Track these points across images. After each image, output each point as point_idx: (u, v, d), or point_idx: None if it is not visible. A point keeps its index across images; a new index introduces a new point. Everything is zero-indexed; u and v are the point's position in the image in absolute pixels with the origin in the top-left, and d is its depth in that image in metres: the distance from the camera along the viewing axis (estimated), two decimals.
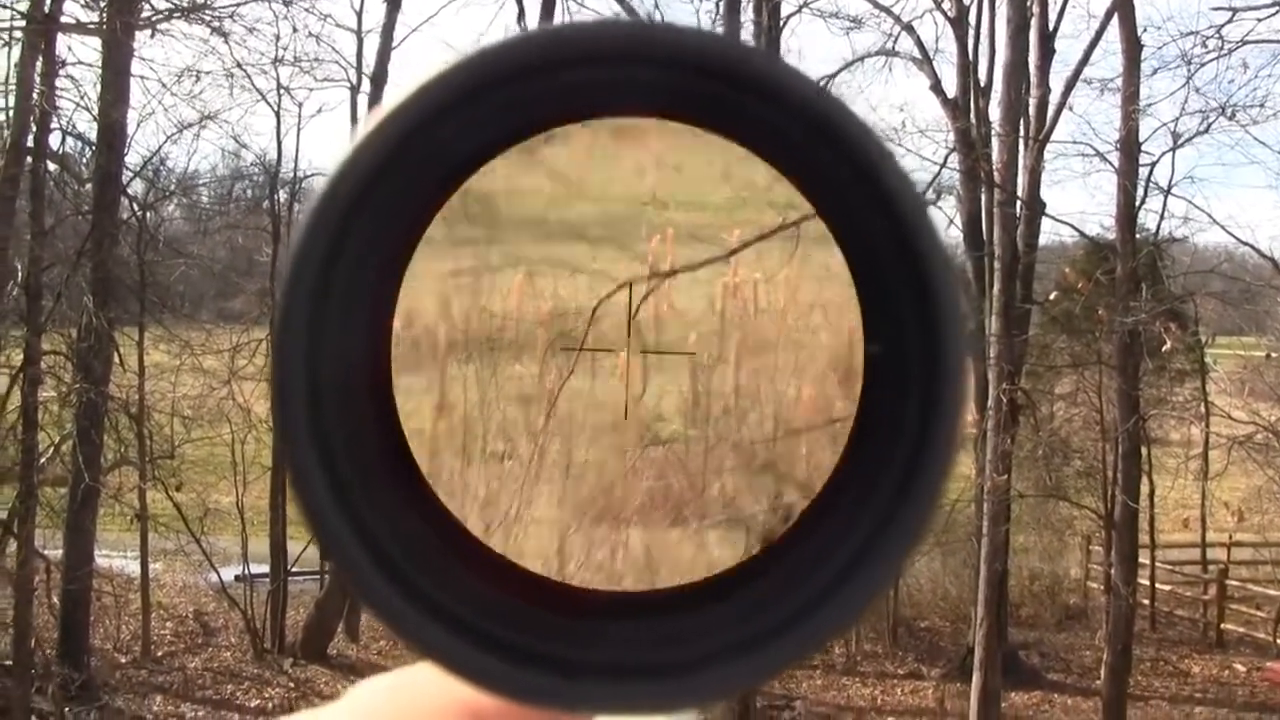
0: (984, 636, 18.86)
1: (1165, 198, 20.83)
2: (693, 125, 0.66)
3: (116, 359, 20.85)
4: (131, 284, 21.83)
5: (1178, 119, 20.24)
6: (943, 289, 0.60)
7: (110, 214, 20.28)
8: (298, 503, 0.61)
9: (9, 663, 18.54)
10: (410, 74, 0.62)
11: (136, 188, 23.09)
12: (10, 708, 17.92)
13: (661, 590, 0.69)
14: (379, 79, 23.92)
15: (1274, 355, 26.55)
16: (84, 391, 19.03)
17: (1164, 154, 20.41)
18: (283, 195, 25.79)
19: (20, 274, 18.94)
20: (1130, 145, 18.91)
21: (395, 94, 0.60)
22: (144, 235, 22.29)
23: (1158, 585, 26.44)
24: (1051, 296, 22.69)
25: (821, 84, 0.60)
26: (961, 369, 0.60)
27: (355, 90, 24.91)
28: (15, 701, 17.58)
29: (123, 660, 23.21)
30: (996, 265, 19.73)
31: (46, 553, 20.40)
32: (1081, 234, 22.49)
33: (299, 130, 41.35)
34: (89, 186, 21.09)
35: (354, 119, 24.88)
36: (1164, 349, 19.65)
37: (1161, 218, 22.16)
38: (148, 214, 23.36)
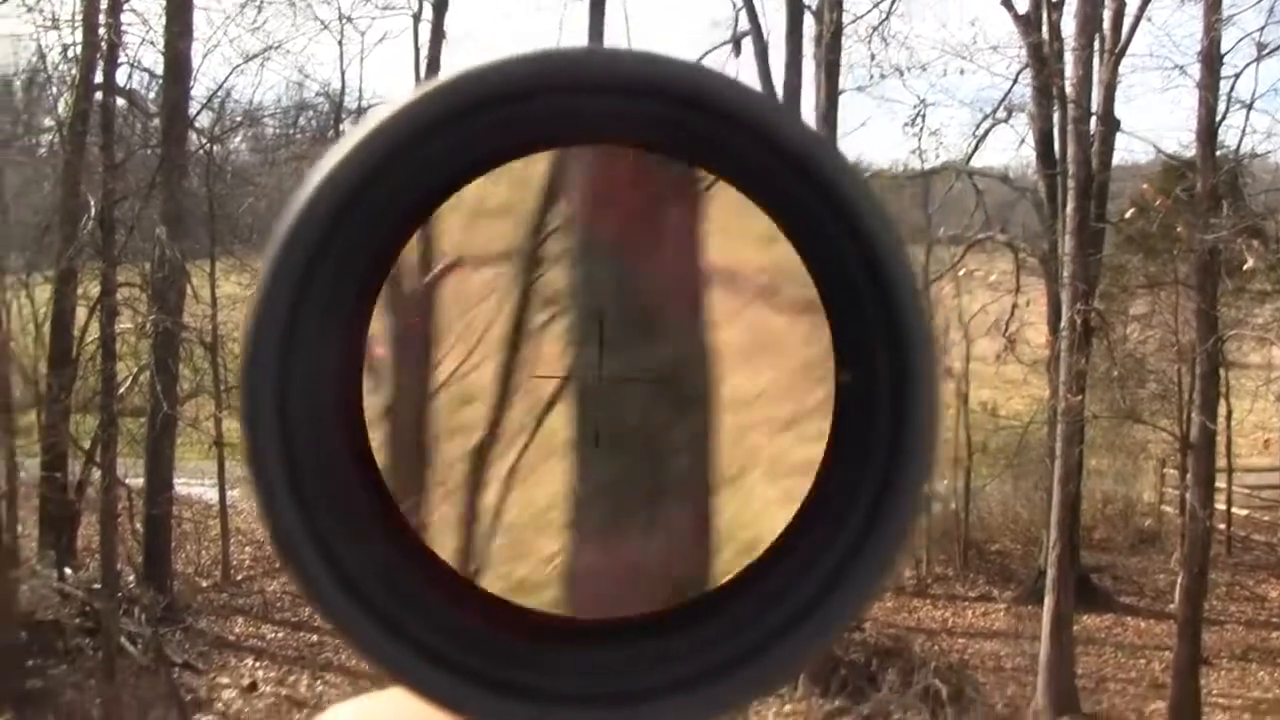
0: (1056, 559, 18.76)
1: (1247, 112, 20.36)
2: (669, 156, 0.66)
3: (190, 290, 21.12)
4: (201, 216, 22.04)
5: (1262, 29, 19.77)
6: (913, 318, 0.60)
7: (178, 147, 20.44)
8: (268, 531, 0.61)
9: (98, 586, 19.01)
10: (387, 99, 0.62)
11: (203, 120, 23.28)
12: (101, 629, 18.40)
13: (632, 617, 0.69)
14: (440, 5, 23.84)
15: None
16: (160, 322, 19.30)
17: (1247, 66, 19.97)
18: (347, 125, 25.82)
19: (94, 208, 19.17)
20: (1211, 57, 18.43)
21: (369, 120, 0.60)
22: (212, 168, 22.45)
23: (1234, 509, 26.14)
24: (1127, 215, 22.32)
25: (797, 116, 0.60)
26: (933, 395, 0.61)
27: (417, 18, 24.89)
28: (105, 624, 18.04)
29: (204, 584, 23.73)
30: (1070, 184, 19.36)
31: (128, 481, 20.83)
32: (1159, 150, 22.08)
33: (362, 59, 41.59)
34: (157, 121, 21.25)
35: (416, 46, 24.87)
36: (1244, 268, 19.28)
37: (1243, 133, 21.69)
38: (215, 146, 23.52)
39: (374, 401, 0.69)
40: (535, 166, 0.68)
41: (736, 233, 0.69)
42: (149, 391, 19.95)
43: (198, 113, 22.45)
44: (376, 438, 0.69)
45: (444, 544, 0.70)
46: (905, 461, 0.62)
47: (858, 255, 0.61)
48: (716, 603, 0.68)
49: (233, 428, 22.84)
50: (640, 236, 0.71)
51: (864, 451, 0.63)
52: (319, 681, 19.72)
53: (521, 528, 0.72)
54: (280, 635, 21.57)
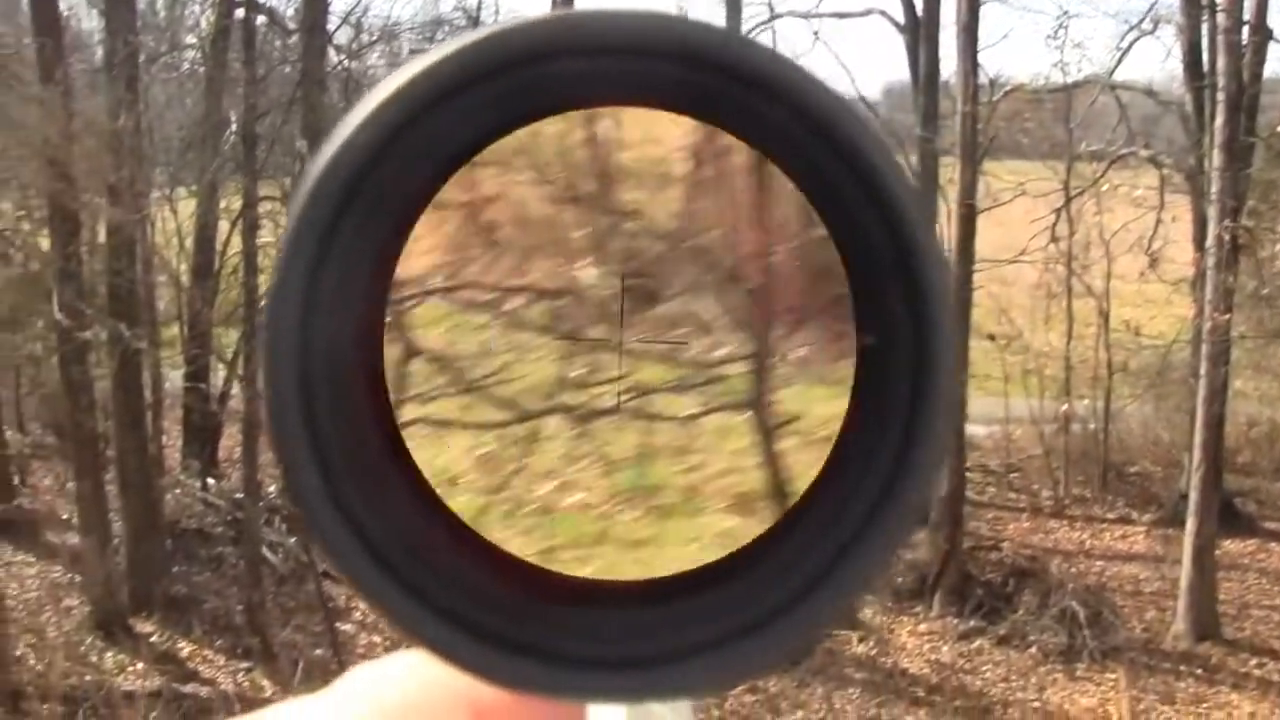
0: (1199, 482, 18.41)
1: None
2: (689, 116, 0.65)
3: None
4: None
5: None
6: (934, 283, 0.60)
7: (317, 62, 20.68)
8: (288, 492, 0.60)
9: (240, 496, 19.59)
10: (405, 63, 0.60)
11: (341, 37, 23.51)
12: (243, 538, 18.97)
13: (657, 579, 0.68)
14: None
15: None
16: None
17: None
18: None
19: (236, 123, 19.51)
20: None
21: (388, 82, 0.58)
22: (350, 83, 22.69)
23: None
24: (1279, 129, 21.61)
25: (817, 77, 0.59)
26: (950, 363, 0.60)
27: None
28: (248, 532, 18.60)
29: None
30: (1220, 97, 18.77)
31: None
32: None
33: None
34: (296, 37, 21.51)
35: None
36: None
37: None
38: (353, 62, 23.78)
39: (395, 362, 0.69)
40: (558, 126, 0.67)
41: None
42: None
43: (336, 29, 22.69)
44: (397, 398, 0.68)
45: (465, 506, 0.69)
46: (924, 424, 0.61)
47: (879, 219, 0.61)
48: (739, 565, 0.67)
49: None
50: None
51: (883, 414, 0.63)
52: None
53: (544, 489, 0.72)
54: None
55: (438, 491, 0.69)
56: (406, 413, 0.69)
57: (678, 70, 0.60)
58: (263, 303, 0.59)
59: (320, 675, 16.46)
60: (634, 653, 0.62)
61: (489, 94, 0.61)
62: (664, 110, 0.66)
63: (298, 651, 17.09)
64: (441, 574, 0.63)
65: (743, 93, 0.61)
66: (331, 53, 22.37)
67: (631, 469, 0.72)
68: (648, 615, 0.65)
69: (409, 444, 0.69)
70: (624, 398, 0.71)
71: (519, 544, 0.69)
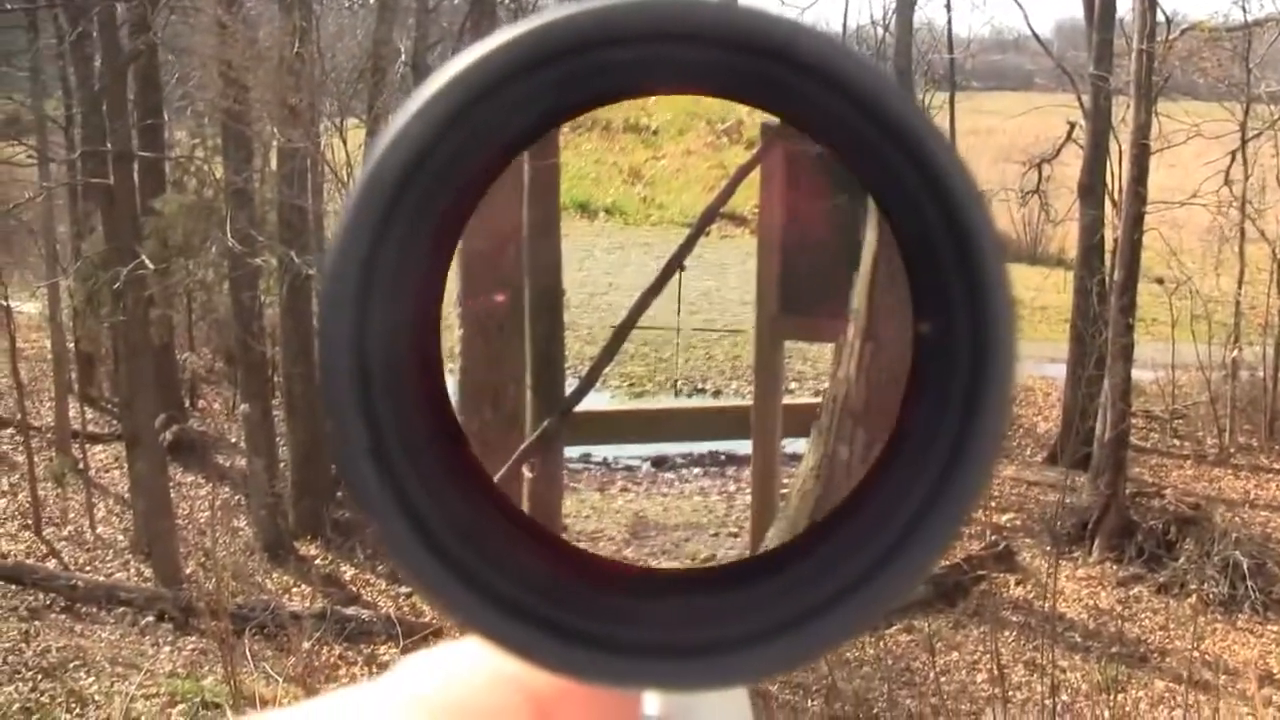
0: None
1: None
2: (747, 104, 0.65)
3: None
4: None
5: None
6: (993, 275, 0.60)
7: None
8: (345, 480, 0.60)
9: None
10: (466, 49, 0.60)
11: None
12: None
13: (713, 566, 0.68)
14: None
15: None
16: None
17: None
18: None
19: (405, 53, 19.74)
20: None
21: (448, 68, 0.58)
22: (519, 12, 22.81)
23: None
24: None
25: (879, 69, 0.59)
26: (1009, 353, 0.60)
27: None
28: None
29: None
30: None
31: None
32: None
33: None
34: None
35: None
36: None
37: None
38: None
39: (450, 351, 0.66)
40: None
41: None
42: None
43: None
44: (452, 386, 0.67)
45: (520, 493, 0.68)
46: (982, 411, 0.61)
47: (935, 205, 0.60)
48: (794, 552, 0.67)
49: None
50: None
51: (942, 401, 0.62)
52: None
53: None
54: None
55: (493, 479, 0.70)
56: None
57: (735, 58, 0.61)
58: (319, 294, 0.60)
59: None
60: (692, 639, 0.63)
61: (546, 80, 0.61)
62: (722, 98, 0.66)
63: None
64: (498, 562, 0.63)
65: (800, 81, 0.61)
66: None
67: None
68: (705, 602, 0.66)
69: (463, 430, 0.70)
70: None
71: (572, 530, 0.71)
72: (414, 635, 15.19)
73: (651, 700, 0.65)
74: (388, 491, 0.60)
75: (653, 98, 0.70)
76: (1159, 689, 15.91)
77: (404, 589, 17.68)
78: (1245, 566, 17.70)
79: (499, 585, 0.61)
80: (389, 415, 0.61)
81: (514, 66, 0.60)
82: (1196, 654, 16.52)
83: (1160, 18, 21.01)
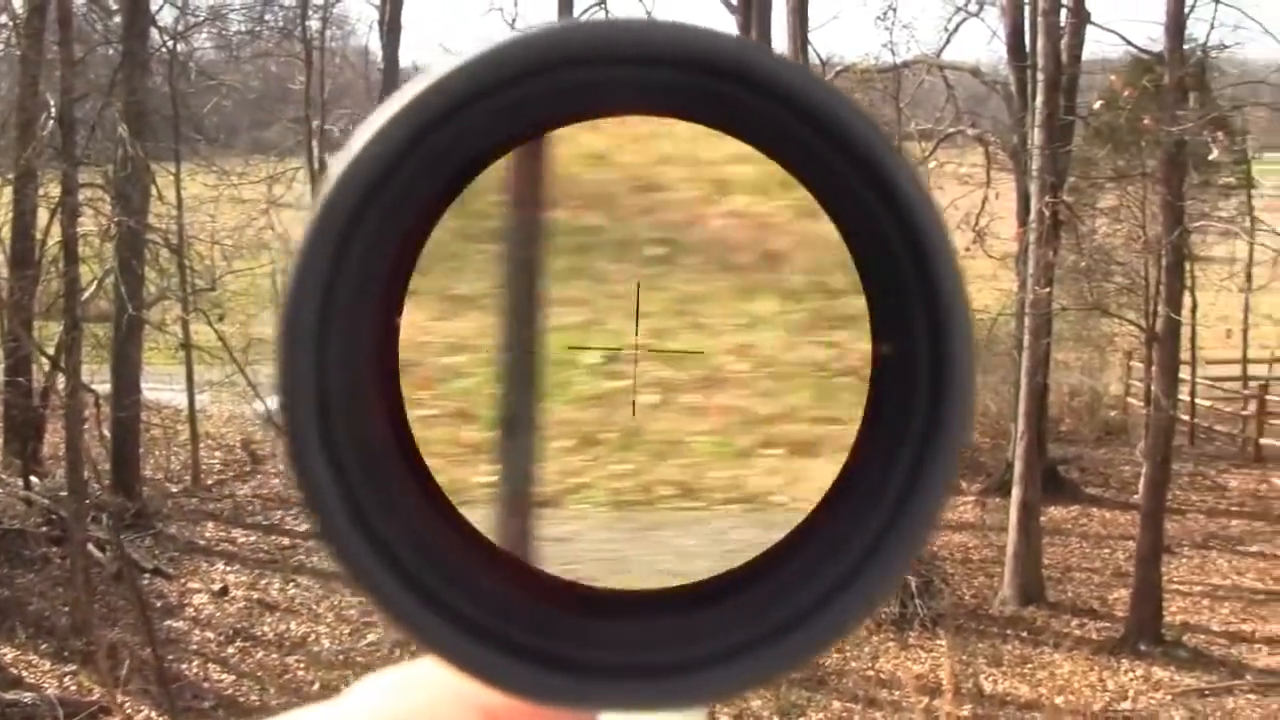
0: (1024, 450, 18.99)
1: (1216, 6, 20.33)
2: (701, 124, 0.66)
3: (154, 191, 20.89)
4: (165, 115, 21.75)
5: None
6: (952, 290, 0.60)
7: (140, 43, 20.11)
8: (306, 506, 0.61)
9: (65, 494, 18.98)
10: (417, 75, 0.62)
11: (166, 17, 22.90)
12: (67, 536, 18.41)
13: (671, 588, 0.69)
14: None
15: None
16: (123, 223, 19.10)
17: None
18: (314, 23, 25.48)
19: (53, 106, 18.86)
20: None
21: (401, 95, 0.59)
22: (175, 65, 22.12)
23: (1198, 400, 26.49)
24: (1096, 107, 22.28)
25: (833, 86, 0.61)
26: (970, 367, 0.61)
27: None
28: (72, 531, 18.04)
29: (174, 489, 23.76)
30: (1040, 77, 19.31)
31: (95, 387, 20.74)
32: (1128, 43, 21.88)
33: None
34: (117, 18, 20.88)
35: None
36: (1210, 158, 19.31)
37: (1211, 26, 21.67)
38: (178, 43, 23.16)
39: (410, 369, 0.69)
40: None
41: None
42: (113, 294, 19.80)
43: (159, 8, 22.11)
44: (411, 404, 0.69)
45: (479, 513, 0.70)
46: (944, 428, 0.62)
47: (893, 223, 0.61)
48: (753, 575, 0.68)
49: (200, 330, 22.78)
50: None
51: (902, 420, 0.63)
52: (290, 584, 19.86)
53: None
54: (251, 539, 21.67)
55: (453, 501, 0.68)
56: (421, 419, 0.69)
57: (689, 78, 0.60)
58: (277, 312, 0.58)
59: (146, 676, 16.13)
60: (650, 661, 0.63)
61: (503, 104, 0.61)
62: (677, 119, 0.66)
63: (126, 652, 16.68)
64: (456, 582, 0.63)
65: (753, 100, 0.61)
66: (155, 34, 21.78)
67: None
68: (664, 623, 0.65)
69: (423, 452, 0.68)
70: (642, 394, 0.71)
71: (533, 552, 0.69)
72: (78, 716, 14.48)
73: None
74: (346, 512, 0.60)
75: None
76: (836, 709, 16.46)
77: (69, 667, 16.80)
78: (914, 585, 18.48)
79: (457, 605, 0.61)
80: (348, 437, 0.61)
81: (471, 89, 0.59)
82: (872, 672, 17.20)
83: (815, 60, 21.95)
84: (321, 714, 0.64)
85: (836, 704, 16.58)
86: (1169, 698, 16.75)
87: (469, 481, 0.70)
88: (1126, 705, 16.62)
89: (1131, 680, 17.17)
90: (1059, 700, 16.50)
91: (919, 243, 0.61)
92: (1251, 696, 16.77)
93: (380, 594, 0.61)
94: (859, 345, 0.68)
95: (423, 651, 0.62)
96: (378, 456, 0.64)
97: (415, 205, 0.64)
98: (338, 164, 0.60)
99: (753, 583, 0.67)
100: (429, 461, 0.69)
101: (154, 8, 21.48)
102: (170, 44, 22.49)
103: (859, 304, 0.68)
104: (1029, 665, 17.62)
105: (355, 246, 0.61)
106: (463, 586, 0.63)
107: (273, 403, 0.61)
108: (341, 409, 0.61)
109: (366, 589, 0.61)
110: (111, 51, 20.69)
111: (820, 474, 0.69)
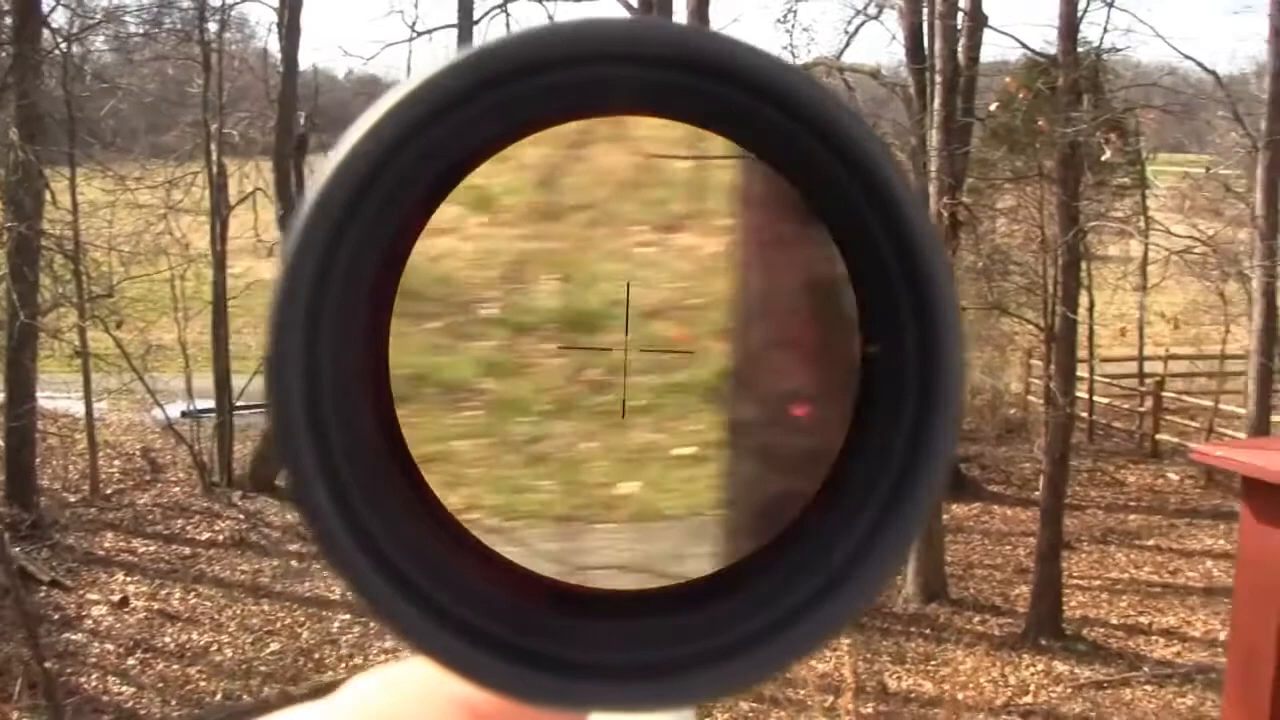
0: None
1: (1109, 9, 20.66)
2: (688, 124, 0.66)
3: (49, 196, 20.51)
4: (59, 118, 21.37)
5: None
6: (940, 289, 0.61)
7: (32, 45, 19.73)
8: (298, 507, 0.61)
9: None
10: (404, 77, 0.62)
11: (59, 18, 22.47)
12: None
13: (660, 588, 0.69)
14: None
15: (1213, 170, 26.69)
16: (15, 229, 18.73)
17: None
18: (212, 25, 25.14)
19: None
20: None
21: (388, 96, 0.60)
22: (69, 68, 21.72)
23: (1095, 398, 27.04)
24: (992, 109, 22.65)
25: (818, 82, 0.61)
26: (960, 366, 0.61)
27: None
28: None
29: (71, 499, 23.29)
30: (938, 79, 19.57)
31: None
32: (1024, 46, 22.21)
33: None
34: (8, 19, 20.47)
35: None
36: (1104, 158, 19.70)
37: (1105, 30, 22.04)
38: (72, 45, 22.75)
39: (400, 370, 0.69)
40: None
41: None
42: (6, 301, 19.41)
43: (52, 9, 21.68)
44: (401, 404, 0.69)
45: (469, 513, 0.70)
46: (933, 428, 0.62)
47: (883, 224, 0.61)
48: (743, 575, 0.68)
49: (96, 338, 22.40)
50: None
51: (891, 421, 0.63)
52: (191, 594, 19.58)
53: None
54: (152, 549, 21.30)
55: (442, 501, 0.68)
56: (410, 420, 0.68)
57: (680, 77, 0.60)
58: (268, 315, 0.59)
59: (44, 689, 15.79)
60: (638, 662, 0.62)
61: (492, 103, 0.60)
62: (667, 119, 0.66)
63: (21, 667, 16.32)
64: (446, 582, 0.62)
65: (743, 99, 0.60)
66: (48, 35, 21.37)
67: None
68: (653, 623, 0.65)
69: (413, 452, 0.68)
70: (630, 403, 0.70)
71: (523, 551, 0.69)
72: None
73: None
74: (337, 511, 0.60)
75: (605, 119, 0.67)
76: (744, 709, 16.55)
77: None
78: None
79: (447, 605, 0.61)
80: (339, 436, 0.61)
81: (464, 87, 0.59)
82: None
83: None
84: (311, 713, 0.64)
85: (744, 704, 16.67)
86: (1069, 691, 17.04)
87: (458, 480, 0.70)
88: (1028, 699, 16.86)
89: (1032, 675, 17.45)
90: (961, 696, 16.72)
91: (909, 243, 0.61)
92: (1148, 687, 17.10)
93: (368, 592, 0.61)
94: (848, 346, 0.68)
95: (411, 651, 0.62)
96: (368, 454, 0.64)
97: (407, 202, 0.64)
98: (330, 161, 0.60)
99: (741, 584, 0.67)
100: (417, 461, 0.69)
101: (46, 9, 21.07)
102: (64, 46, 22.09)
103: (848, 305, 0.68)
104: (932, 662, 17.83)
105: (346, 243, 0.61)
106: (451, 585, 0.63)
107: (264, 395, 0.61)
108: (332, 406, 0.61)
109: (354, 587, 0.61)
110: (1, 54, 20.24)
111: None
